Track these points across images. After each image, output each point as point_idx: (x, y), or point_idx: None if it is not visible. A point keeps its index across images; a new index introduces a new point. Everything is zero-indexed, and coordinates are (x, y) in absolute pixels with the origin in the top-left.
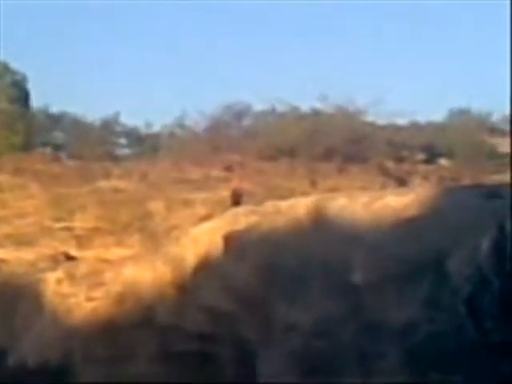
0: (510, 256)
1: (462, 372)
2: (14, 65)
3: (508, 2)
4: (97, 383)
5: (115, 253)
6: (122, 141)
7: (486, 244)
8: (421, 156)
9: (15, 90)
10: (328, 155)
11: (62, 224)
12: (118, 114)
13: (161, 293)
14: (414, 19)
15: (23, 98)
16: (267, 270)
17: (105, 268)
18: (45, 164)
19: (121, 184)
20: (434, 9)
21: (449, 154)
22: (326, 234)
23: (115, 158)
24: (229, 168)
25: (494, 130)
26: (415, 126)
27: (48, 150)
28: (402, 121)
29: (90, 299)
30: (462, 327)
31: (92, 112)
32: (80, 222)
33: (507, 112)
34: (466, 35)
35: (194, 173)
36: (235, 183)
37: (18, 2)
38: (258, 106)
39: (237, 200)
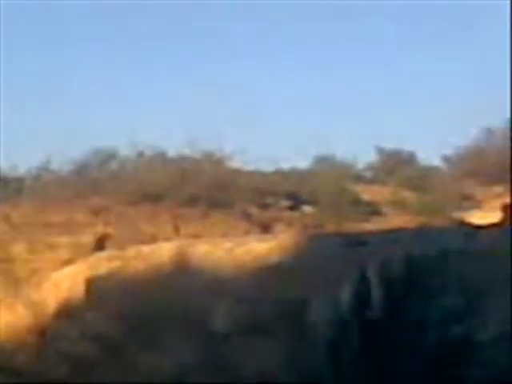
0: (370, 304)
1: None
2: None
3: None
4: None
5: None
6: None
7: (346, 292)
8: (285, 203)
9: None
10: (193, 201)
11: None
12: None
13: (21, 339)
14: (274, 64)
15: None
16: (127, 317)
17: None
18: None
19: None
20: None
21: (313, 201)
22: (187, 280)
23: None
24: (96, 212)
25: (358, 178)
26: (280, 173)
27: None
28: (267, 168)
29: None
30: (322, 378)
31: None
32: None
33: (371, 159)
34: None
35: (58, 216)
36: (100, 228)
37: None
38: (125, 151)
39: (101, 245)
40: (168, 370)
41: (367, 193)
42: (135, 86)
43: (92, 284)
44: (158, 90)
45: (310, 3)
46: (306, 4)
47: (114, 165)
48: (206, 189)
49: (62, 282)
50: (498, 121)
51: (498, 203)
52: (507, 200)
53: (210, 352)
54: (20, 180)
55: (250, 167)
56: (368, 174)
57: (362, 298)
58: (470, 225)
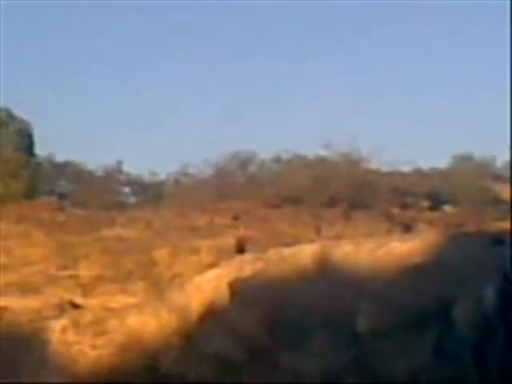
0: None
1: None
2: (18, 112)
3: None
4: None
5: (119, 301)
6: (126, 189)
7: (490, 292)
8: (425, 203)
9: (19, 137)
10: (333, 202)
11: (67, 272)
12: (120, 163)
13: (165, 341)
14: (415, 68)
15: (27, 145)
16: (273, 318)
17: (109, 316)
18: (49, 212)
19: (125, 232)
20: (432, 57)
21: (453, 201)
22: (330, 281)
23: (120, 206)
24: (236, 217)
25: (497, 177)
26: (419, 173)
27: (53, 198)
28: (405, 168)
29: (94, 347)
30: (468, 376)
31: (95, 160)
32: (85, 270)
33: (508, 158)
34: (466, 82)
35: (199, 220)
36: (241, 231)
37: (22, 51)
38: (263, 155)
39: (241, 248)
40: (313, 370)
41: (506, 192)
42: (268, 91)
43: (236, 286)
44: (295, 94)
45: None
46: None
47: (252, 168)
48: (346, 190)
49: (206, 285)
50: None
51: None
52: None
53: (355, 352)
54: (160, 185)
55: (387, 168)
56: (507, 173)
57: (506, 298)
58: None
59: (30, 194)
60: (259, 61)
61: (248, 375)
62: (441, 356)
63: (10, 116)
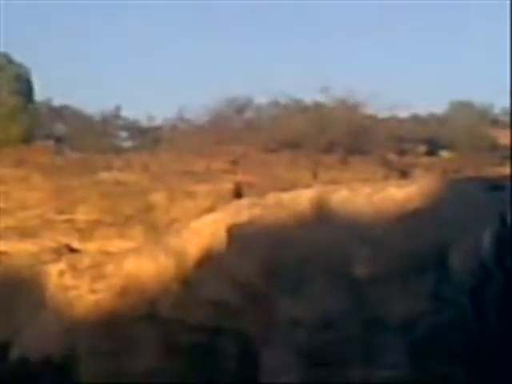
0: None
1: (465, 365)
2: (17, 57)
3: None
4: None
5: (117, 245)
6: (123, 134)
7: (487, 237)
8: (423, 148)
9: (18, 83)
10: (330, 148)
11: (65, 216)
12: (118, 108)
13: (163, 286)
14: (413, 13)
15: (26, 90)
16: (270, 264)
17: (107, 260)
18: (47, 156)
19: (123, 176)
20: (434, 3)
21: (451, 147)
22: (328, 227)
23: (117, 151)
24: (234, 161)
25: (495, 122)
26: (416, 119)
27: (50, 142)
28: (402, 113)
29: (92, 292)
30: (465, 320)
31: (94, 105)
32: (82, 215)
33: (507, 104)
34: (467, 27)
35: (196, 165)
36: (239, 175)
37: None
38: (260, 99)
39: (239, 192)
40: (311, 315)
41: (504, 137)
42: (265, 35)
43: (234, 232)
44: (288, 38)
45: None
46: None
47: (249, 113)
48: (343, 136)
49: (204, 230)
50: None
51: None
52: None
53: (353, 297)
54: (157, 129)
55: (384, 113)
56: (505, 119)
57: (502, 245)
58: None
59: (28, 138)
60: (257, 3)
61: (245, 321)
62: (438, 300)
63: (9, 61)
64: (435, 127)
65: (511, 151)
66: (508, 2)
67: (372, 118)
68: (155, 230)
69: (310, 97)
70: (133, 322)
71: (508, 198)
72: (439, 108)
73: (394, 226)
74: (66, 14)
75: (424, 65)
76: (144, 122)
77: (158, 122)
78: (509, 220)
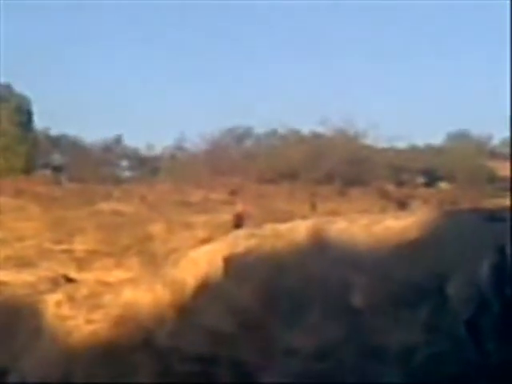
0: (510, 279)
1: None
2: (18, 87)
3: (508, 24)
4: None
5: (115, 275)
6: (124, 163)
7: (485, 267)
8: (421, 179)
9: (19, 113)
10: (328, 178)
11: (62, 246)
12: (120, 137)
13: (160, 315)
14: (410, 44)
15: (26, 121)
16: (267, 293)
17: (104, 290)
18: (45, 186)
19: (121, 206)
20: (429, 34)
21: (449, 178)
22: (325, 257)
23: (116, 181)
24: (233, 192)
25: (493, 154)
26: (414, 150)
27: (48, 172)
28: (400, 144)
29: (89, 322)
30: (463, 350)
31: (94, 135)
32: (80, 245)
33: (507, 135)
34: (464, 59)
35: (194, 195)
36: (239, 206)
37: (21, 26)
38: (259, 129)
39: (239, 223)
40: (308, 345)
41: (503, 169)
42: (264, 66)
43: (231, 261)
44: (290, 70)
45: None
46: None
47: (248, 143)
48: (341, 166)
49: (201, 260)
50: None
51: None
52: None
53: (350, 327)
54: (156, 159)
55: (383, 144)
56: (504, 150)
57: (501, 275)
58: None
59: (27, 168)
60: (256, 36)
61: (242, 350)
62: (435, 331)
63: (11, 92)
64: (433, 158)
65: (511, 183)
66: (508, 33)
67: (370, 148)
68: (153, 261)
69: (308, 128)
70: (129, 351)
71: (506, 229)
72: (437, 139)
73: (392, 256)
74: (67, 43)
75: (422, 96)
76: (143, 151)
77: (157, 150)
78: (508, 251)
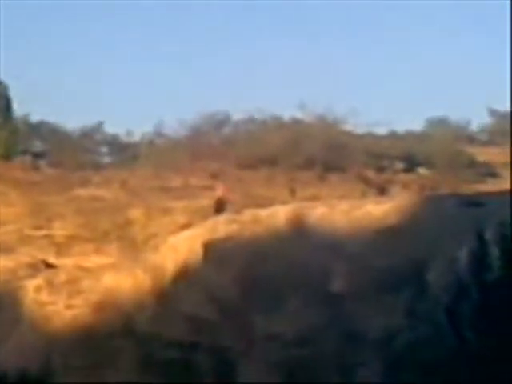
0: (489, 265)
1: (442, 380)
2: None
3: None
4: None
5: (94, 261)
6: (104, 149)
7: (464, 253)
8: (400, 165)
9: None
10: (308, 164)
11: (42, 232)
12: (101, 124)
13: (140, 301)
14: (394, 28)
15: (4, 107)
16: (247, 279)
17: (84, 276)
18: (24, 172)
19: (100, 192)
20: (410, 20)
21: (428, 164)
22: (305, 242)
23: (95, 167)
24: (214, 176)
25: (472, 140)
26: (394, 136)
27: (27, 158)
28: (380, 130)
29: (69, 307)
30: (442, 336)
31: (74, 121)
32: (59, 230)
33: (485, 121)
34: (443, 46)
35: (174, 181)
36: (219, 191)
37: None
38: (238, 115)
39: (220, 208)
40: (287, 331)
41: (482, 155)
42: (245, 53)
43: (210, 247)
44: (267, 55)
45: None
46: None
47: (227, 129)
48: (321, 152)
49: (180, 246)
50: None
51: None
52: None
53: (331, 313)
54: (136, 145)
55: (362, 129)
56: (482, 136)
57: (479, 260)
58: None
59: (7, 155)
60: (236, 20)
61: (222, 336)
62: (415, 317)
63: None
64: (412, 144)
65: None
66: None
67: (350, 134)
68: (132, 246)
69: (287, 113)
70: (109, 337)
71: (485, 214)
72: (417, 125)
73: (371, 242)
74: (45, 28)
75: (402, 82)
76: (123, 137)
77: (136, 137)
78: (487, 236)
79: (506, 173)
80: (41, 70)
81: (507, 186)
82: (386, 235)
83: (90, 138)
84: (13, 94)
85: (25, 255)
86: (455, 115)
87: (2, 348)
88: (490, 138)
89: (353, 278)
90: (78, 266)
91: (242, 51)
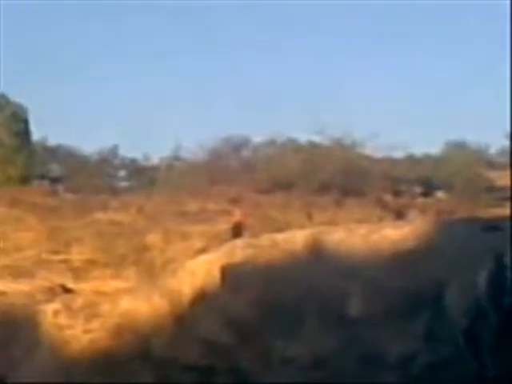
0: (509, 289)
1: None
2: (15, 97)
3: (508, 33)
4: None
5: (112, 285)
6: (121, 173)
7: (483, 277)
8: (418, 189)
9: (16, 123)
10: (325, 188)
11: (59, 256)
12: (116, 147)
13: (158, 325)
14: (411, 53)
15: (23, 131)
16: (264, 303)
17: (101, 300)
18: (42, 197)
19: (118, 216)
20: (427, 42)
21: (446, 187)
22: (323, 267)
23: (113, 191)
24: (232, 200)
25: (491, 164)
26: (412, 159)
27: (45, 182)
28: (398, 154)
29: (87, 331)
30: (460, 359)
31: (90, 145)
32: (77, 255)
33: (505, 144)
34: (461, 68)
35: (191, 205)
36: (237, 216)
37: (18, 34)
38: (257, 139)
39: (238, 232)
40: (304, 355)
41: (501, 179)
42: (260, 77)
43: (227, 271)
44: (287, 78)
45: None
46: None
47: (245, 152)
48: (338, 176)
49: (198, 270)
50: None
51: None
52: None
53: (347, 337)
54: (153, 169)
55: (379, 153)
56: (501, 160)
57: (498, 284)
58: None
59: (24, 179)
60: (252, 43)
61: (239, 359)
62: (433, 341)
63: (7, 101)
64: (430, 168)
65: (511, 191)
66: (508, 41)
67: (367, 158)
68: (150, 271)
69: (306, 137)
70: (127, 361)
71: (504, 238)
72: (434, 149)
73: (389, 266)
74: (63, 52)
75: (420, 106)
76: (141, 161)
77: (154, 160)
78: (506, 260)
79: None
80: (56, 92)
81: None
82: (404, 259)
83: (108, 162)
84: (30, 117)
85: (43, 279)
86: (473, 138)
87: (21, 371)
88: (508, 161)
89: (370, 301)
90: (95, 290)
91: (259, 72)
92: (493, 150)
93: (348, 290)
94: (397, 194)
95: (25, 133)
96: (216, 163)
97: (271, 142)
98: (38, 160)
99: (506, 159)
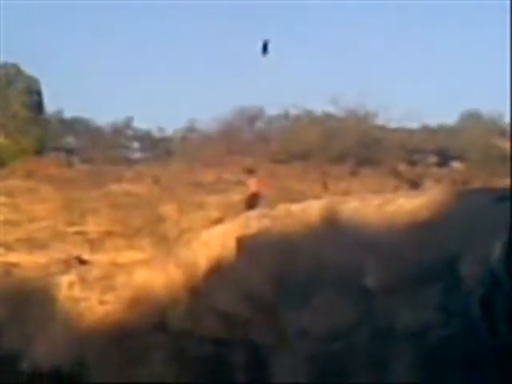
0: None
1: (477, 374)
2: (27, 69)
3: None
4: None
5: (127, 256)
6: (135, 145)
7: (497, 246)
8: (433, 159)
9: (28, 95)
10: (340, 159)
11: (75, 228)
12: (130, 119)
13: (173, 297)
14: (423, 23)
15: (36, 102)
16: (279, 274)
17: (117, 272)
18: (57, 168)
19: (133, 187)
20: (443, 12)
21: (461, 157)
22: (338, 237)
23: (128, 162)
24: (248, 170)
25: (505, 133)
26: (427, 130)
27: (61, 154)
28: (412, 124)
29: (102, 303)
30: (476, 330)
31: (105, 117)
32: (92, 226)
33: None
34: (476, 37)
35: (207, 176)
36: (253, 187)
37: (32, 5)
38: (271, 110)
39: (252, 203)
40: (320, 326)
41: None
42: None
43: (243, 242)
44: (300, 49)
45: None
46: None
47: (260, 124)
48: (353, 146)
49: (213, 241)
50: None
51: None
52: None
53: (362, 308)
54: (168, 141)
55: (394, 124)
56: None
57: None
58: None
59: (39, 150)
60: (266, 17)
61: (255, 332)
62: (448, 310)
63: (19, 72)
64: (445, 138)
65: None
66: None
67: (382, 128)
68: (165, 242)
69: (320, 107)
70: (142, 333)
71: None
72: (449, 119)
73: (404, 236)
74: (78, 24)
75: (435, 75)
76: (155, 133)
77: (168, 132)
78: None
79: None
80: (70, 64)
81: None
82: (418, 230)
83: (121, 134)
84: (44, 89)
85: (58, 251)
86: (488, 108)
87: (36, 344)
88: None
89: (385, 272)
90: (110, 261)
91: (273, 45)
92: (507, 120)
93: (363, 261)
94: (412, 163)
95: (38, 105)
96: (231, 134)
97: (286, 114)
98: (52, 132)
99: None
